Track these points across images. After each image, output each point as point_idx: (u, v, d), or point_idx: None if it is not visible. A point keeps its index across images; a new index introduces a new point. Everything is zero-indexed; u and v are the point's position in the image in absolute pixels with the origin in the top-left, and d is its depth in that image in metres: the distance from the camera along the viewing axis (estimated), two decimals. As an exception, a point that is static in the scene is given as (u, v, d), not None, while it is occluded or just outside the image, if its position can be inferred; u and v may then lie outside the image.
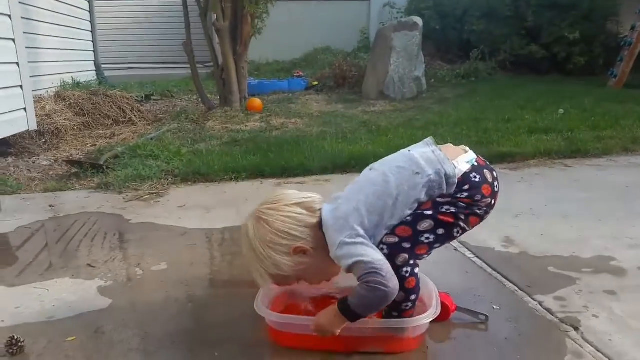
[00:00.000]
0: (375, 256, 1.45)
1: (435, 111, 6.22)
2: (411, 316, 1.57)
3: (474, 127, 4.98)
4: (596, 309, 1.80)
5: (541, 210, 2.85)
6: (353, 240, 1.47)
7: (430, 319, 1.55)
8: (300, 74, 9.19)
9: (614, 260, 2.19)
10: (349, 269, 1.47)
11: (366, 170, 1.68)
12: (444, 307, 1.67)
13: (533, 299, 1.89)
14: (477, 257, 2.26)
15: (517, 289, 1.97)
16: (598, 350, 1.56)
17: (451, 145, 1.68)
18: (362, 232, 1.49)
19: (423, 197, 1.53)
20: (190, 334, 1.71)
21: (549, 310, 1.81)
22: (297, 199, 1.61)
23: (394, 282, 1.43)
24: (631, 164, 3.83)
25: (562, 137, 4.49)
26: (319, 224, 1.56)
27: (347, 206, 1.55)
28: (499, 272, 2.11)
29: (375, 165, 1.68)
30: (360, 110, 6.54)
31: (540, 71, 9.48)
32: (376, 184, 1.58)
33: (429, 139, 1.66)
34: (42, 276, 2.18)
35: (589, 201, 2.98)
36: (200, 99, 6.71)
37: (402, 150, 1.67)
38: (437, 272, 2.03)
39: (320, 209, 1.59)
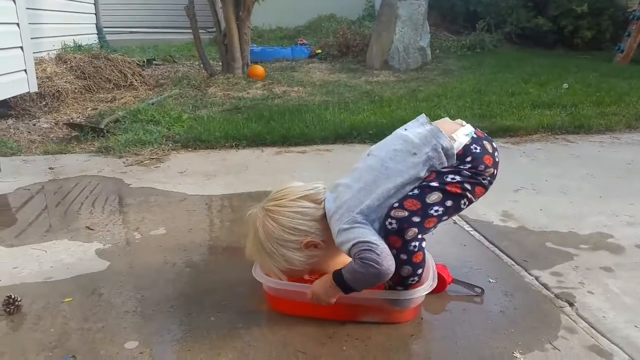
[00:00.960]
0: (372, 237, 1.44)
1: (439, 83, 6.17)
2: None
3: (477, 100, 4.94)
4: (592, 286, 1.81)
5: (541, 186, 2.84)
6: (350, 225, 1.47)
7: (427, 291, 1.55)
8: (304, 41, 9.08)
9: (611, 238, 2.20)
10: (349, 252, 1.47)
11: (364, 156, 1.65)
12: (440, 279, 1.67)
13: (529, 274, 1.89)
14: (476, 230, 2.27)
15: (514, 263, 1.97)
16: (591, 326, 1.57)
17: (448, 119, 1.66)
18: (360, 218, 1.48)
19: (424, 173, 1.52)
20: (187, 298, 1.72)
21: (544, 285, 1.81)
22: (302, 192, 1.59)
23: (388, 263, 1.42)
24: (634, 141, 3.81)
25: (565, 112, 4.46)
26: (324, 215, 1.55)
27: (346, 194, 1.53)
28: (496, 246, 2.11)
29: (373, 150, 1.65)
30: (363, 80, 6.48)
31: (546, 44, 9.36)
32: (375, 170, 1.55)
33: (423, 117, 1.63)
34: (41, 237, 2.19)
35: (590, 177, 2.98)
36: (202, 65, 6.64)
37: (397, 131, 1.65)
38: (435, 245, 2.04)
39: (324, 199, 1.58)
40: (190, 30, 6.46)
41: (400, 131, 1.63)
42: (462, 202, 1.54)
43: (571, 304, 1.69)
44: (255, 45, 8.23)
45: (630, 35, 7.76)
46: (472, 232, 2.25)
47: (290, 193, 1.59)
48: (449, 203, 1.51)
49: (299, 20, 11.10)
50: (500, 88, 5.54)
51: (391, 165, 1.53)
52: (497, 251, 2.08)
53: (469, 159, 1.52)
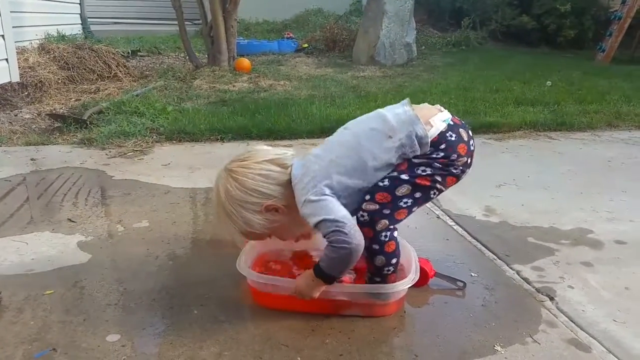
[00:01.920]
0: (338, 214, 1.44)
1: (424, 79, 6.19)
2: (394, 281, 1.59)
3: (462, 96, 4.97)
4: (572, 280, 1.83)
5: (524, 181, 2.87)
6: (317, 197, 1.47)
7: (409, 285, 1.57)
8: (291, 35, 9.06)
9: (591, 233, 2.23)
10: (315, 227, 1.47)
11: (341, 129, 1.65)
12: (423, 272, 1.69)
13: (511, 268, 1.92)
14: (458, 224, 2.28)
15: (495, 257, 1.99)
16: (571, 320, 1.60)
17: (427, 104, 1.65)
18: (328, 191, 1.48)
19: (395, 160, 1.52)
20: (170, 291, 1.72)
21: (525, 280, 1.83)
22: (268, 155, 1.58)
23: (357, 238, 1.43)
24: (614, 139, 3.86)
25: (548, 110, 4.51)
26: (290, 181, 1.54)
27: (316, 165, 1.53)
28: (478, 241, 2.13)
29: (350, 124, 1.64)
30: (349, 75, 6.48)
31: (530, 42, 9.45)
32: (348, 146, 1.55)
33: (406, 100, 1.62)
34: (22, 229, 2.17)
35: (571, 174, 3.01)
36: (187, 57, 6.60)
37: (378, 110, 1.63)
38: (418, 239, 2.06)
39: (291, 165, 1.57)
40: (175, 22, 6.41)
41: (380, 111, 1.62)
42: (432, 192, 1.55)
43: (551, 298, 1.71)
44: (241, 38, 8.20)
45: (611, 35, 7.86)
46: (454, 227, 2.27)
47: (255, 155, 1.58)
48: (417, 195, 1.52)
49: (286, 14, 11.07)
50: (484, 85, 5.58)
51: (365, 144, 1.53)
52: (480, 246, 2.09)
53: (442, 146, 1.52)
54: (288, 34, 9.23)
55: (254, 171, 1.53)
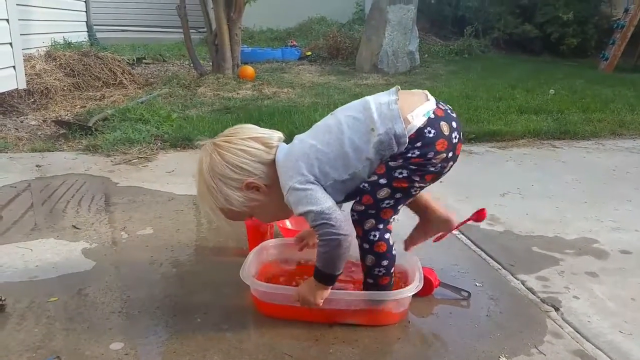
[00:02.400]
0: (324, 204, 1.44)
1: (427, 87, 6.18)
2: (388, 284, 1.58)
3: (465, 104, 4.97)
4: (577, 290, 1.82)
5: (528, 190, 2.86)
6: (303, 186, 1.46)
7: (413, 293, 1.56)
8: (294, 43, 9.10)
9: (596, 243, 2.22)
10: (301, 216, 1.47)
11: (328, 115, 1.63)
12: (427, 281, 1.68)
13: (516, 278, 1.91)
14: (462, 234, 2.28)
15: (500, 267, 1.98)
16: (577, 331, 1.59)
17: (416, 91, 1.60)
18: (311, 178, 1.48)
19: (372, 155, 1.49)
20: (174, 299, 1.72)
21: (530, 290, 1.83)
22: (253, 133, 1.57)
23: (345, 228, 1.44)
24: (618, 148, 3.85)
25: (551, 118, 4.50)
26: (274, 161, 1.53)
27: (299, 148, 1.53)
28: (483, 250, 2.13)
29: (337, 110, 1.61)
30: (352, 83, 6.50)
31: (533, 51, 9.46)
32: (331, 132, 1.53)
33: (395, 88, 1.58)
34: (26, 236, 2.17)
35: (576, 183, 3.00)
36: (192, 65, 6.62)
37: (365, 97, 1.60)
38: (422, 247, 2.05)
39: (277, 146, 1.56)
40: (180, 30, 6.44)
41: (367, 98, 1.59)
42: (412, 191, 1.54)
43: (557, 309, 1.71)
44: (245, 46, 8.23)
45: (614, 43, 7.87)
46: (459, 236, 2.26)
47: (241, 132, 1.57)
48: (398, 195, 1.51)
49: (289, 22, 11.12)
50: (487, 93, 5.57)
51: (347, 133, 1.50)
52: (484, 255, 2.09)
53: (419, 144, 1.47)
54: (292, 42, 9.27)
55: (237, 146, 1.52)
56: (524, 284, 1.86)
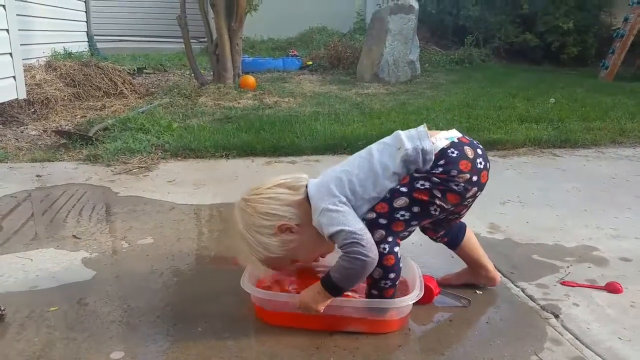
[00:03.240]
0: (356, 225, 1.47)
1: (428, 96, 6.21)
2: (392, 296, 1.59)
3: (465, 113, 4.98)
4: (577, 298, 1.82)
5: (528, 198, 2.86)
6: (336, 207, 1.50)
7: (414, 301, 1.56)
8: (295, 53, 9.13)
9: (596, 250, 2.22)
10: (331, 237, 1.48)
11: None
12: (427, 289, 1.68)
13: (516, 285, 1.91)
14: (463, 242, 2.27)
15: (500, 275, 1.98)
16: (576, 338, 1.58)
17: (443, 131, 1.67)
18: (344, 199, 1.52)
19: (399, 169, 1.55)
20: (174, 308, 1.72)
21: (530, 297, 1.83)
22: (278, 180, 1.63)
23: (374, 252, 1.45)
24: (618, 156, 3.85)
25: (552, 127, 4.51)
26: (306, 199, 1.57)
27: (330, 174, 1.60)
28: (483, 258, 2.12)
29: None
30: (353, 92, 6.52)
31: (534, 60, 9.50)
32: (361, 157, 1.62)
33: (422, 125, 1.66)
34: (26, 246, 2.18)
35: (576, 191, 3.01)
36: (193, 74, 6.65)
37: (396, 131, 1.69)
38: (423, 255, 2.06)
39: (304, 185, 1.60)
40: (181, 40, 6.47)
41: (398, 131, 1.66)
42: (432, 208, 1.54)
43: (557, 316, 1.70)
44: (247, 55, 8.26)
45: (614, 52, 7.89)
46: (459, 244, 2.26)
47: (266, 182, 1.63)
48: (415, 209, 1.53)
49: (290, 32, 11.16)
50: (488, 102, 5.59)
51: (376, 155, 1.59)
52: (484, 263, 2.08)
53: (442, 162, 1.53)
54: (293, 51, 9.31)
55: (264, 195, 1.57)
56: (524, 292, 1.86)
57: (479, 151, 1.60)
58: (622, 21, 8.10)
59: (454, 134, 1.61)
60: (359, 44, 8.52)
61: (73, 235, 2.29)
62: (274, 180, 1.63)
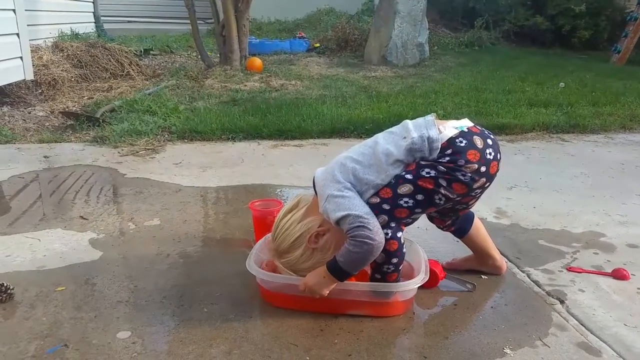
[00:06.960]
0: (362, 210, 1.47)
1: (436, 79, 6.17)
2: (395, 280, 1.59)
3: (474, 97, 4.95)
4: (583, 284, 1.82)
5: (536, 183, 2.85)
6: (341, 193, 1.50)
7: (419, 284, 1.57)
8: (303, 35, 9.06)
9: (603, 237, 2.21)
10: (337, 222, 1.48)
11: None
12: (433, 274, 1.68)
13: (521, 271, 1.91)
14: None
15: (506, 259, 1.98)
16: (581, 324, 1.59)
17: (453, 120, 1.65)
18: (348, 184, 1.52)
19: (404, 157, 1.53)
20: (180, 289, 1.73)
21: (536, 282, 1.83)
22: (282, 212, 1.64)
23: (380, 236, 1.46)
24: (628, 142, 3.83)
25: (561, 111, 4.47)
26: (310, 203, 1.60)
27: (334, 162, 1.61)
28: (489, 243, 2.12)
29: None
30: (361, 75, 6.48)
31: (544, 43, 9.38)
32: (366, 145, 1.63)
33: (431, 114, 1.66)
34: (34, 226, 2.19)
35: (584, 177, 2.99)
36: (199, 56, 6.62)
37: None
38: (429, 240, 2.06)
39: (300, 199, 1.64)
40: (188, 21, 6.42)
41: (406, 120, 1.65)
42: (437, 197, 1.53)
43: (562, 302, 1.70)
44: (253, 37, 8.21)
45: (627, 36, 7.78)
46: (465, 229, 2.25)
47: (275, 222, 1.64)
48: (419, 197, 1.52)
49: (298, 14, 11.07)
50: (497, 86, 5.54)
51: (382, 143, 1.58)
52: (490, 248, 2.08)
53: (449, 151, 1.51)
54: (300, 33, 9.24)
55: (281, 233, 1.59)
56: (529, 277, 1.86)
57: (489, 141, 1.58)
58: (636, 4, 7.97)
59: (464, 123, 1.59)
60: (367, 26, 8.44)
61: (80, 216, 2.30)
62: (280, 214, 1.64)
